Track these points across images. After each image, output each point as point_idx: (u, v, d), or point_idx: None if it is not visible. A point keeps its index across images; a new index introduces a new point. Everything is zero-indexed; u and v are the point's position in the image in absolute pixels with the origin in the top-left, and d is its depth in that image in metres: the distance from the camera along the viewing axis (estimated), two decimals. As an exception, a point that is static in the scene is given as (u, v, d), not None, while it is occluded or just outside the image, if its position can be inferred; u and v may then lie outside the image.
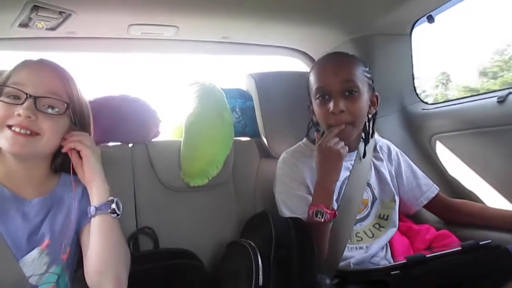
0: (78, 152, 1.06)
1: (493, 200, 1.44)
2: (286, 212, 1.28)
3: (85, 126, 1.11)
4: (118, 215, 1.04)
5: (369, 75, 1.34)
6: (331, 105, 1.25)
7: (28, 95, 0.98)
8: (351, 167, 1.35)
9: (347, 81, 1.27)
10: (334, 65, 1.32)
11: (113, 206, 1.03)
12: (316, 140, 1.30)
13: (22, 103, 0.97)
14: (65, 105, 1.02)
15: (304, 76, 1.64)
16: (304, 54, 1.88)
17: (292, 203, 1.29)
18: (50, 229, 1.01)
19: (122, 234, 1.06)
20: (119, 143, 1.45)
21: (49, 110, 1.00)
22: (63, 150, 1.06)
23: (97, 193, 1.04)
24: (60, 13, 1.31)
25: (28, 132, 0.97)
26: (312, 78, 1.34)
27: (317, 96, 1.30)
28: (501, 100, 1.36)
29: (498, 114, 1.38)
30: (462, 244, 1.13)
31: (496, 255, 1.07)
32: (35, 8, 1.25)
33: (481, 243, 1.09)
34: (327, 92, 1.28)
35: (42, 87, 1.00)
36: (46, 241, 1.00)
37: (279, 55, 1.89)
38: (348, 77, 1.28)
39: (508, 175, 1.37)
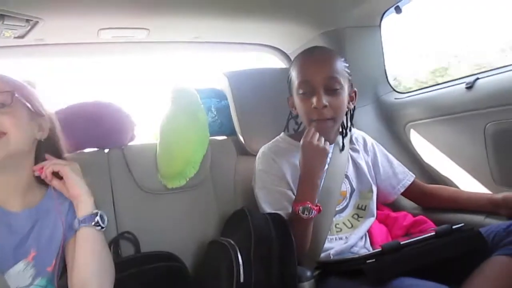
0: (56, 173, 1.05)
1: (466, 183, 1.47)
2: (266, 208, 1.28)
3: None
4: (102, 227, 1.04)
5: (348, 71, 1.34)
6: (314, 100, 1.26)
7: None
8: (329, 160, 1.36)
9: (330, 78, 1.27)
10: (317, 61, 1.31)
11: (97, 218, 1.03)
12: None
13: None
14: (10, 93, 0.99)
15: (277, 72, 1.64)
16: (277, 49, 1.89)
17: (272, 198, 1.30)
18: (36, 242, 1.01)
19: (107, 247, 1.06)
20: (95, 149, 1.44)
21: (2, 107, 0.98)
22: (48, 180, 1.04)
23: (82, 207, 1.03)
24: (27, 20, 1.29)
25: None
26: (294, 73, 1.34)
27: (299, 91, 1.30)
28: (469, 86, 1.39)
29: (466, 100, 1.41)
30: (436, 229, 1.14)
31: (469, 238, 1.08)
32: (1, 17, 1.24)
33: (454, 227, 1.10)
34: (310, 87, 1.28)
35: None
36: (32, 254, 0.99)
37: (252, 52, 1.90)
38: (332, 74, 1.28)
39: (478, 159, 1.40)
